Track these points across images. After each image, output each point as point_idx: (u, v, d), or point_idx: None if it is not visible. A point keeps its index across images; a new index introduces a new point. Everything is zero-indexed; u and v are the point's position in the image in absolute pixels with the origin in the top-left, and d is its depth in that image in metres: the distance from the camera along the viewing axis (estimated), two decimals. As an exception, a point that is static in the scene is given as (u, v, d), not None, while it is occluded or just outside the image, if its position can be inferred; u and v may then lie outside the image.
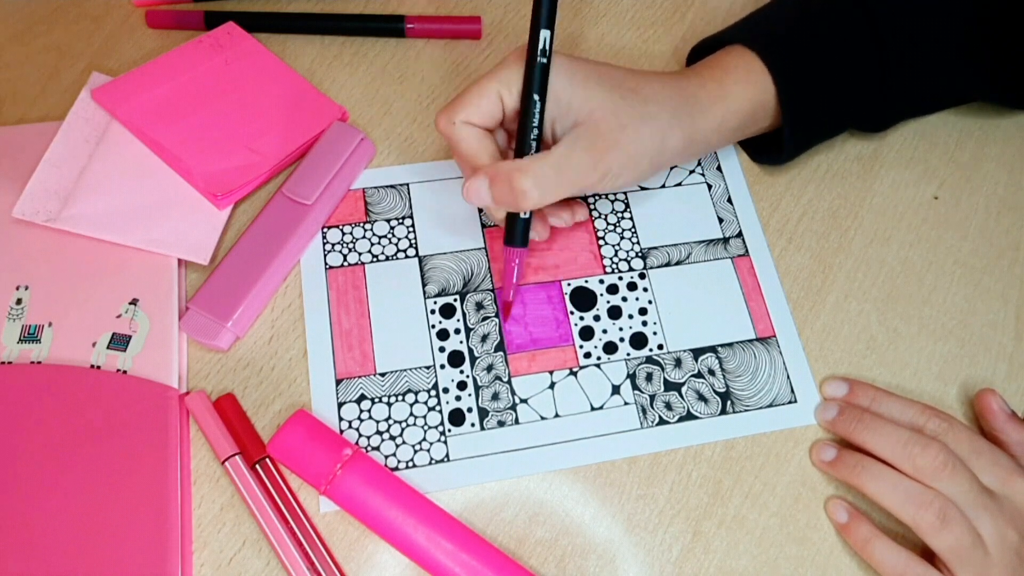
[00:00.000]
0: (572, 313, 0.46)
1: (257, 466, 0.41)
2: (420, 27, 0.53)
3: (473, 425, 0.43)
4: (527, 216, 0.43)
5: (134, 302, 0.44)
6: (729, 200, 0.49)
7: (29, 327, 0.43)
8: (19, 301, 0.43)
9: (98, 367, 0.42)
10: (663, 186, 0.50)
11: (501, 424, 0.43)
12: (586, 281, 0.47)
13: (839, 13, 0.45)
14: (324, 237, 0.47)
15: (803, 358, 0.45)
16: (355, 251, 0.46)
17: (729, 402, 0.44)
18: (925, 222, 0.50)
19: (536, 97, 0.40)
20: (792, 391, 0.44)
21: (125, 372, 0.42)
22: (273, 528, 0.39)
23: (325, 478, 0.39)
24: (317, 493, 0.41)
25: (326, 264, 0.46)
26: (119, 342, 0.43)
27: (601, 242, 0.48)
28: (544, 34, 0.40)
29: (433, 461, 0.42)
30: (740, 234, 0.48)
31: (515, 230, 0.43)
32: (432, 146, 0.50)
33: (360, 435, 0.42)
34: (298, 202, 0.46)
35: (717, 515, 0.42)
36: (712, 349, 0.45)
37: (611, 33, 0.55)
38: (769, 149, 0.49)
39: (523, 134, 0.41)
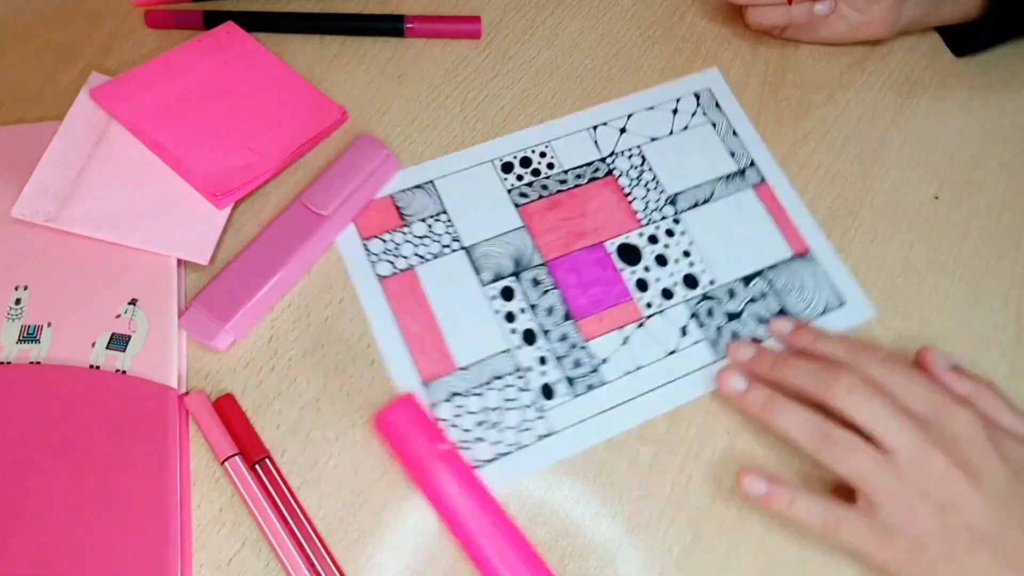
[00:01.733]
0: (622, 270, 0.47)
1: (257, 466, 0.41)
2: (420, 27, 0.53)
3: (565, 395, 0.44)
4: None
5: (133, 302, 0.43)
6: (734, 133, 0.51)
7: (28, 327, 0.43)
8: (18, 301, 0.43)
9: (97, 367, 0.42)
10: (671, 133, 0.51)
11: (591, 388, 0.44)
12: (627, 237, 0.48)
13: None
14: (366, 249, 0.46)
15: (839, 264, 0.48)
16: (401, 256, 0.47)
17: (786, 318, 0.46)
18: (925, 222, 0.50)
19: None
20: (838, 295, 0.47)
21: (124, 372, 0.42)
22: (273, 529, 0.39)
23: (418, 464, 0.40)
24: (317, 492, 0.41)
25: (377, 275, 0.46)
26: (118, 342, 0.42)
27: (630, 197, 0.49)
28: None
29: (540, 437, 0.43)
30: (753, 163, 0.51)
31: None
32: (431, 146, 0.50)
33: (462, 430, 0.43)
34: (315, 212, 0.45)
35: (717, 515, 0.42)
36: (759, 274, 0.47)
37: (611, 33, 0.55)
38: (969, 38, 0.51)
39: None
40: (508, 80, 0.53)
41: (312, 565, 0.39)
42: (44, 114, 0.50)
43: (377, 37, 0.54)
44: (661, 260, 0.47)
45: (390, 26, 0.53)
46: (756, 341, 0.45)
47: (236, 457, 0.40)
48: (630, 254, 0.48)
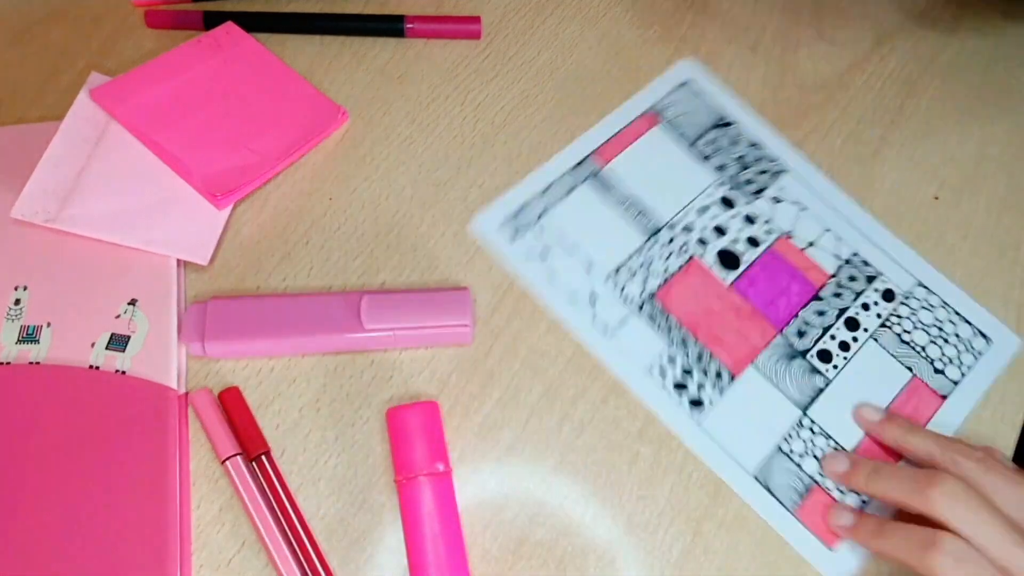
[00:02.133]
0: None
1: (254, 463, 0.41)
2: (420, 27, 0.53)
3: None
4: None
5: (133, 302, 0.43)
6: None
7: (28, 327, 0.43)
8: (17, 301, 0.43)
9: (97, 368, 0.42)
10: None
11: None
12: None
13: None
14: None
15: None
16: None
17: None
18: (925, 222, 0.50)
19: None
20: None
21: (124, 372, 0.42)
22: (268, 530, 0.39)
23: (407, 472, 0.40)
24: (317, 493, 0.41)
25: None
26: (118, 342, 0.42)
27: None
28: None
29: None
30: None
31: None
32: (431, 146, 0.50)
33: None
34: (359, 319, 0.42)
35: (717, 516, 0.42)
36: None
37: (611, 33, 0.55)
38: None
39: None
40: (508, 80, 0.53)
41: (304, 569, 0.39)
42: (44, 114, 0.50)
43: (377, 37, 0.54)
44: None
45: (390, 26, 0.53)
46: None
47: (237, 457, 0.40)
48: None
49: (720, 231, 0.48)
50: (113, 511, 0.38)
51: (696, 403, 0.44)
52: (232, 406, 0.42)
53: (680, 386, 0.44)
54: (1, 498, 0.38)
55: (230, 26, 0.51)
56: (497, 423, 0.43)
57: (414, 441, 0.40)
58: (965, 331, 0.46)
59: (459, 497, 0.41)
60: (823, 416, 0.44)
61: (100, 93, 0.48)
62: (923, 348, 0.46)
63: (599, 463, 0.42)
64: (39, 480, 0.39)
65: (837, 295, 0.47)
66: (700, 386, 0.44)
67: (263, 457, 0.41)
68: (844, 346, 0.45)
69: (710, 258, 0.47)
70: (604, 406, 0.44)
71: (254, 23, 0.52)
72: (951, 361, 0.45)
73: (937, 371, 0.45)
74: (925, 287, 0.47)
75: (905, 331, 0.46)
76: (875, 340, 0.46)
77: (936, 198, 0.51)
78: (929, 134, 0.53)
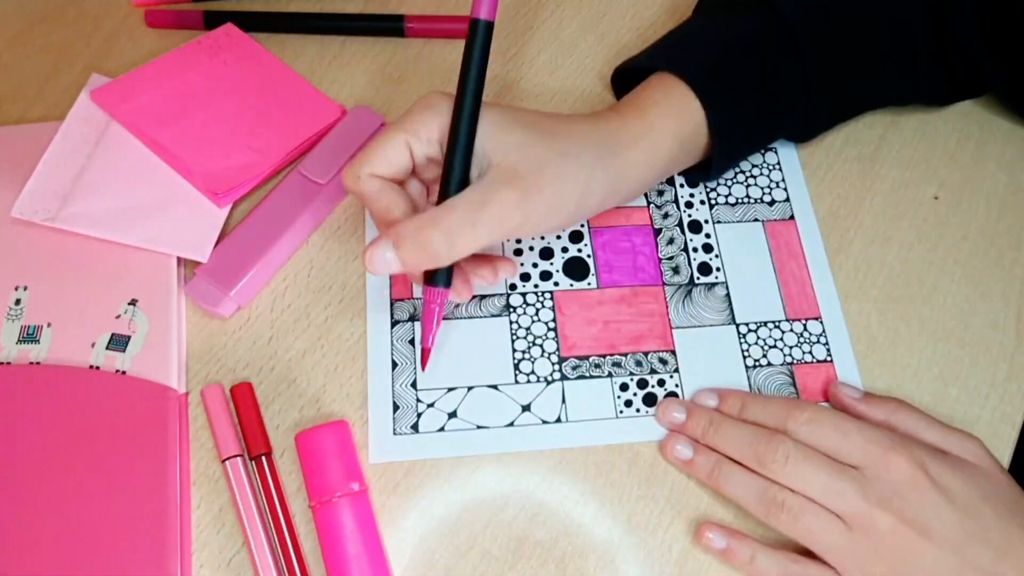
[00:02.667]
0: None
1: (254, 462, 0.41)
2: (420, 26, 0.53)
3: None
4: None
5: (133, 302, 0.43)
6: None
7: (28, 327, 0.43)
8: (18, 301, 0.43)
9: (97, 367, 0.42)
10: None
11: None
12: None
13: (759, 34, 0.45)
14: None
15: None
16: None
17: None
18: (925, 222, 0.50)
19: (464, 142, 0.38)
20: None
21: (124, 372, 0.42)
22: (256, 538, 0.39)
23: (321, 496, 0.39)
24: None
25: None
26: (118, 342, 0.42)
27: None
28: (472, 85, 0.38)
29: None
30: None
31: (437, 270, 0.40)
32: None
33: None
34: (312, 181, 0.46)
35: (717, 516, 0.42)
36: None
37: (610, 34, 0.55)
38: (694, 168, 0.48)
39: (445, 182, 0.38)
40: (508, 80, 0.53)
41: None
42: (44, 114, 0.50)
43: (377, 37, 0.54)
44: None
45: (390, 26, 0.53)
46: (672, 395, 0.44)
47: (237, 458, 0.40)
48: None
49: (546, 254, 0.47)
50: (113, 511, 0.38)
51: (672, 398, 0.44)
52: (242, 402, 0.42)
53: (649, 398, 0.44)
54: (1, 498, 0.38)
55: (230, 27, 0.51)
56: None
57: (330, 464, 0.39)
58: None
59: (459, 496, 0.41)
60: (748, 313, 0.46)
61: (101, 94, 0.48)
62: (756, 199, 0.49)
63: (599, 463, 0.42)
64: (39, 480, 0.39)
65: (665, 216, 0.48)
66: (661, 382, 0.44)
67: (263, 458, 0.41)
68: (707, 248, 0.48)
69: (563, 281, 0.46)
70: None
71: (254, 23, 0.52)
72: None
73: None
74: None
75: (723, 197, 0.49)
76: (717, 223, 0.48)
77: (936, 198, 0.51)
78: (929, 134, 0.53)
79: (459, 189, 0.38)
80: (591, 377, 0.44)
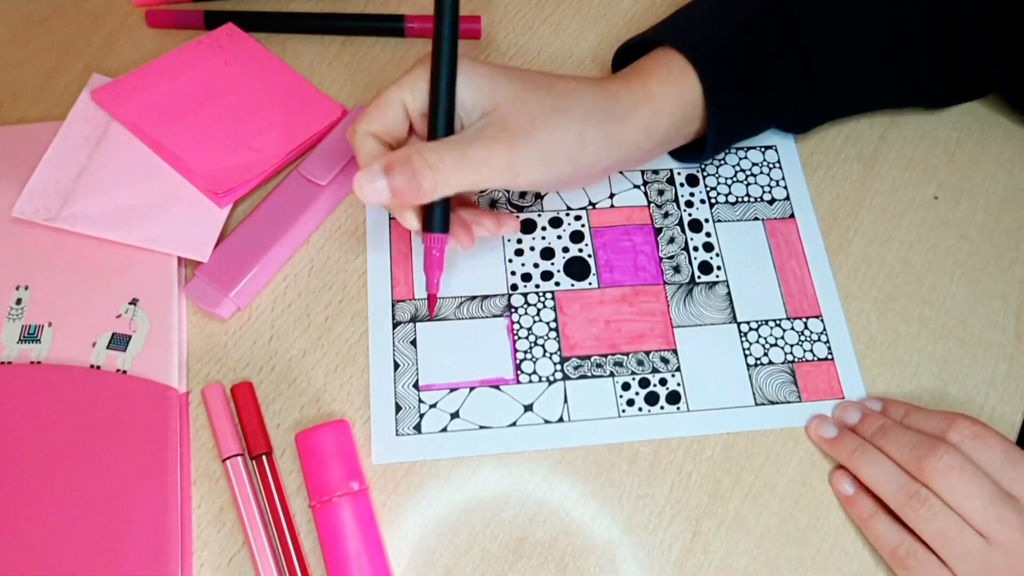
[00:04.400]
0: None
1: (254, 461, 0.41)
2: (420, 26, 0.53)
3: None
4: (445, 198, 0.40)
5: (134, 302, 0.43)
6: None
7: (29, 327, 0.43)
8: (19, 301, 0.43)
9: (98, 367, 0.42)
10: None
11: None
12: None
13: (762, 19, 0.45)
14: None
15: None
16: None
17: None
18: (925, 222, 0.50)
19: (445, 83, 0.38)
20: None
21: (125, 372, 0.42)
22: (257, 537, 0.39)
23: (321, 495, 0.39)
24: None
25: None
26: (119, 342, 0.43)
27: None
28: (447, 28, 0.38)
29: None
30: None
31: (433, 214, 0.40)
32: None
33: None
34: (312, 182, 0.46)
35: (717, 515, 0.42)
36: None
37: (611, 33, 0.55)
38: (688, 147, 0.48)
39: (433, 122, 0.39)
40: (508, 80, 0.53)
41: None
42: (44, 114, 0.50)
43: (377, 37, 0.54)
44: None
45: (390, 26, 0.53)
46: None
47: (237, 458, 0.40)
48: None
49: (547, 254, 0.47)
50: (114, 510, 0.38)
51: (673, 398, 0.44)
52: (242, 401, 0.42)
53: (651, 397, 0.44)
54: (2, 498, 0.38)
55: (230, 27, 0.51)
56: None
57: (330, 463, 0.40)
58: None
59: (459, 496, 0.41)
60: (749, 312, 0.46)
61: (101, 94, 0.48)
62: (756, 198, 0.49)
63: (599, 462, 0.42)
64: (40, 479, 0.39)
65: (666, 215, 0.48)
66: (663, 381, 0.44)
67: (264, 457, 0.41)
68: (708, 247, 0.48)
69: (564, 281, 0.46)
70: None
71: (255, 23, 0.52)
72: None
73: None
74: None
75: (724, 196, 0.49)
76: (718, 221, 0.48)
77: (936, 198, 0.51)
78: (929, 134, 0.53)
79: (446, 124, 0.39)
80: (593, 377, 0.44)
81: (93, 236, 0.44)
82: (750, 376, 0.45)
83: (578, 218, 0.48)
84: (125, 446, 0.40)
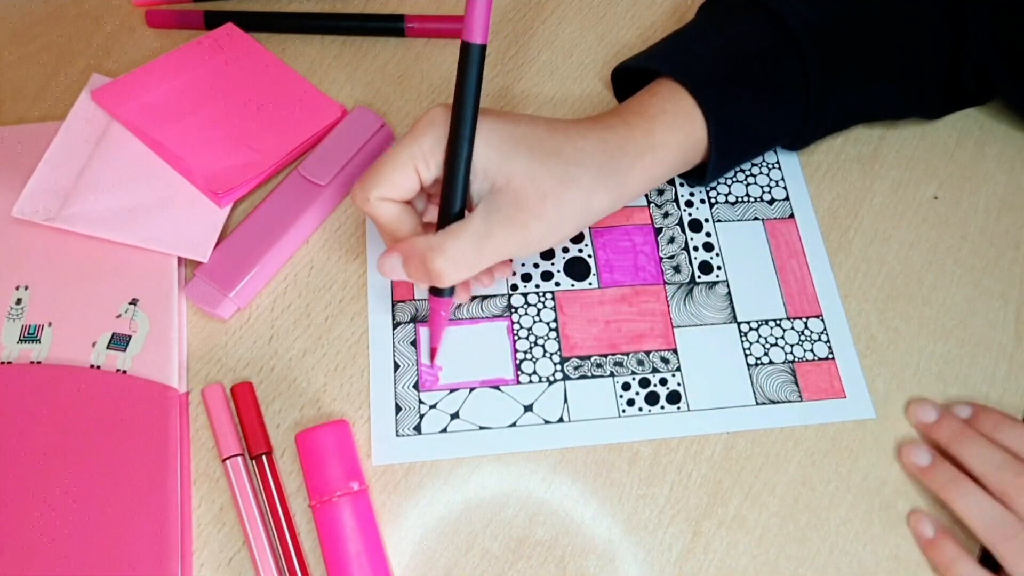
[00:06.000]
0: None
1: (254, 461, 0.41)
2: (420, 26, 0.53)
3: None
4: None
5: (134, 302, 0.43)
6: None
7: (29, 327, 0.43)
8: (19, 301, 0.43)
9: (98, 367, 0.42)
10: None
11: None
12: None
13: (762, 43, 0.44)
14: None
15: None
16: None
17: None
18: (925, 222, 0.50)
19: (460, 178, 0.38)
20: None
21: (125, 372, 0.42)
22: (257, 537, 0.39)
23: (321, 495, 0.39)
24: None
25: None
26: (119, 342, 0.43)
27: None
28: (469, 112, 0.37)
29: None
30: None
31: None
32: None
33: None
34: (312, 182, 0.46)
35: (717, 515, 0.42)
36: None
37: (610, 34, 0.55)
38: (689, 172, 0.48)
39: (445, 209, 0.39)
40: (508, 80, 0.53)
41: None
42: (44, 114, 0.50)
43: (377, 37, 0.54)
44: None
45: (390, 26, 0.53)
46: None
47: (237, 458, 0.40)
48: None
49: (547, 255, 0.47)
50: (114, 510, 0.38)
51: (674, 398, 0.44)
52: (242, 401, 0.42)
53: (651, 397, 0.44)
54: (2, 497, 0.38)
55: (230, 27, 0.51)
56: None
57: (331, 463, 0.40)
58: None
59: (459, 496, 0.41)
60: (749, 312, 0.46)
61: (101, 94, 0.48)
62: (756, 198, 0.49)
63: (599, 462, 0.42)
64: (40, 479, 0.39)
65: (666, 215, 0.48)
66: (663, 381, 0.44)
67: (264, 457, 0.41)
68: (708, 247, 0.48)
69: (564, 281, 0.46)
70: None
71: (255, 23, 0.52)
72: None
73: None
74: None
75: (723, 196, 0.50)
76: (718, 221, 0.48)
77: (936, 198, 0.51)
78: (929, 134, 0.53)
79: (458, 216, 0.39)
80: (593, 377, 0.44)
81: (93, 236, 0.44)
82: (750, 376, 0.45)
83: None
84: (125, 446, 0.40)
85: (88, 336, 0.43)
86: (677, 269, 0.47)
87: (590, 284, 0.46)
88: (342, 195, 0.48)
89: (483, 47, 0.38)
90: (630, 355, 0.45)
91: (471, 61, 0.37)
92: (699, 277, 0.47)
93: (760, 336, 0.46)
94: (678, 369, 0.44)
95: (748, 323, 0.46)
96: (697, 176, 0.48)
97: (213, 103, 0.48)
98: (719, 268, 0.47)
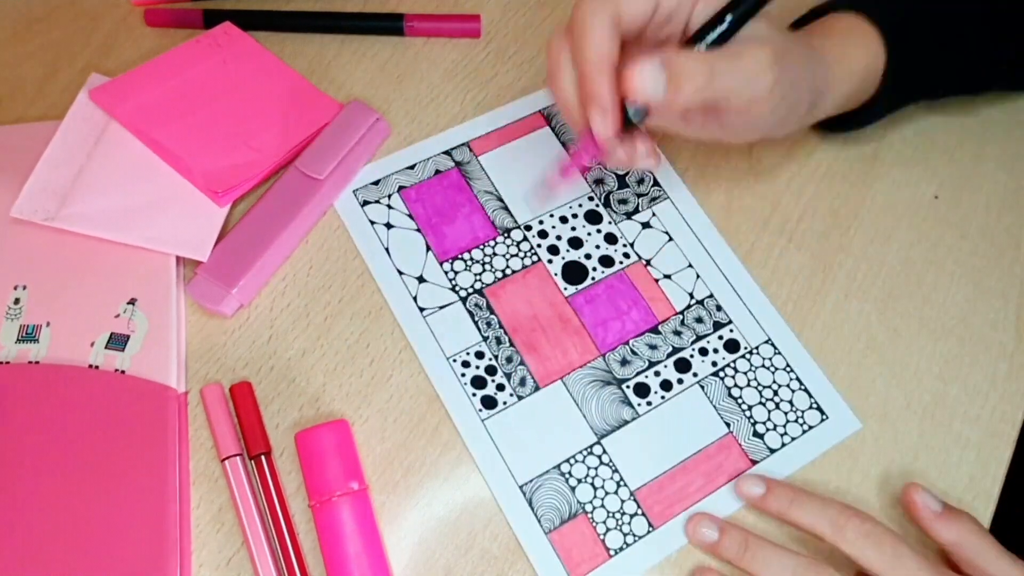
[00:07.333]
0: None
1: (253, 461, 0.41)
2: (419, 25, 0.53)
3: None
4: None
5: (132, 302, 0.43)
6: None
7: (27, 327, 0.43)
8: (17, 301, 0.43)
9: (96, 367, 0.42)
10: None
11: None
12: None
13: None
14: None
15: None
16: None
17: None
18: (925, 222, 0.50)
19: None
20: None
21: (123, 372, 0.42)
22: (256, 537, 0.39)
23: (321, 495, 0.39)
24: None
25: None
26: (117, 342, 0.42)
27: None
28: None
29: None
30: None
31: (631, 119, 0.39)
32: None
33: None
34: (310, 177, 0.46)
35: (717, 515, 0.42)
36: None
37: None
38: (844, 116, 0.48)
39: (709, 27, 0.38)
40: (508, 79, 0.53)
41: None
42: (44, 113, 0.50)
43: (377, 36, 0.54)
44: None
45: (390, 25, 0.53)
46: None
47: (236, 458, 0.40)
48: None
49: (576, 243, 0.47)
50: (113, 510, 0.38)
51: (489, 402, 0.43)
52: (241, 401, 0.42)
53: (478, 381, 0.43)
54: (1, 497, 0.38)
55: (228, 26, 0.51)
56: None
57: (330, 463, 0.40)
58: (802, 401, 0.44)
59: (459, 496, 0.41)
60: (617, 449, 0.42)
61: (100, 93, 0.48)
62: (750, 408, 0.43)
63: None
64: (38, 480, 0.39)
65: (677, 333, 0.45)
66: (500, 387, 0.43)
67: (263, 457, 0.41)
68: (666, 385, 0.44)
69: (556, 267, 0.46)
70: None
71: (254, 22, 0.52)
72: (775, 428, 0.43)
73: (757, 434, 0.43)
74: (774, 346, 0.45)
75: (737, 385, 0.44)
76: (701, 387, 0.44)
77: (936, 197, 0.51)
78: (929, 134, 0.53)
79: (718, 40, 0.38)
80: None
81: (92, 236, 0.44)
82: (545, 473, 0.42)
83: (627, 255, 0.47)
84: (124, 446, 0.40)
85: (87, 336, 0.42)
86: (624, 363, 0.44)
87: (565, 289, 0.46)
88: (340, 188, 0.48)
89: None
90: (513, 347, 0.44)
91: None
92: (626, 387, 0.44)
93: (596, 465, 0.42)
94: (520, 398, 0.44)
95: (604, 450, 0.42)
96: (852, 119, 0.48)
97: (212, 102, 0.48)
98: (649, 404, 0.43)
